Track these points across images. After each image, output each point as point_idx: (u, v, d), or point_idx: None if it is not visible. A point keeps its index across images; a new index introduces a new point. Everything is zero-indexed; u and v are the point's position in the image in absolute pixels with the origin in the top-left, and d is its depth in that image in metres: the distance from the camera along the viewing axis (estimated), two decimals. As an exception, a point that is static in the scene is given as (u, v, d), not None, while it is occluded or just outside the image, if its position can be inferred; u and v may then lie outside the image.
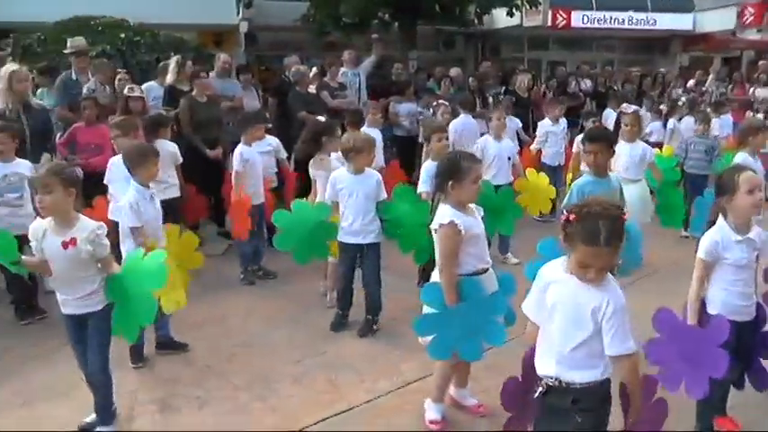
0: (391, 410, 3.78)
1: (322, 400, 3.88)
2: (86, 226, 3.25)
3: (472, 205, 3.47)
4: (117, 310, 3.34)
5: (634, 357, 2.49)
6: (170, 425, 3.65)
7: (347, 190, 4.69)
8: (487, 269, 3.48)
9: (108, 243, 3.34)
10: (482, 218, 3.50)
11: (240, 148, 5.77)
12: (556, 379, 2.53)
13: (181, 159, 5.90)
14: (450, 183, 3.34)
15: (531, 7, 15.16)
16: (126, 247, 4.08)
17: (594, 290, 2.44)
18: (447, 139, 5.35)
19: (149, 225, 4.12)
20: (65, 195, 3.18)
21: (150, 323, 3.47)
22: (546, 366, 2.57)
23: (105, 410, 3.50)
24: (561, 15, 18.59)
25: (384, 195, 4.80)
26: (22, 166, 5.02)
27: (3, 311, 5.11)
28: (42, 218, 3.30)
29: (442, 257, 3.36)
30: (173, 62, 7.52)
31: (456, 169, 3.35)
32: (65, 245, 3.18)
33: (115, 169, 5.06)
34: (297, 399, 3.90)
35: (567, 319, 2.49)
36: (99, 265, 3.31)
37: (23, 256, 3.38)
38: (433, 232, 3.43)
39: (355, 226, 4.71)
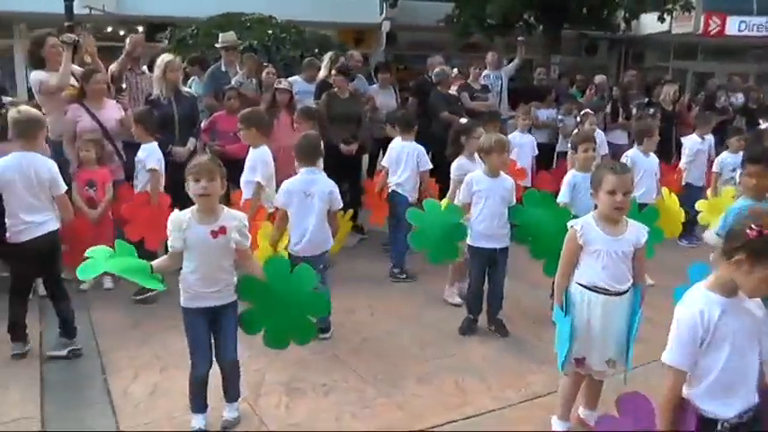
0: (517, 422, 3.69)
1: (448, 403, 3.84)
2: (233, 215, 3.33)
3: (631, 225, 3.30)
4: (259, 313, 3.42)
5: None
6: (296, 407, 3.75)
7: (483, 193, 4.65)
8: (611, 292, 3.25)
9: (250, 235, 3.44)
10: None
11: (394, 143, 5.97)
12: (745, 413, 2.35)
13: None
14: (590, 192, 3.30)
15: (683, 12, 14.32)
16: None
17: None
18: (594, 150, 5.14)
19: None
20: (222, 184, 3.28)
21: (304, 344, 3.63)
22: (726, 407, 2.37)
23: (237, 395, 3.61)
24: (714, 21, 17.36)
25: (514, 200, 4.74)
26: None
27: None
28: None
29: (560, 261, 3.34)
30: (326, 58, 7.76)
31: (596, 181, 3.28)
32: (214, 234, 3.21)
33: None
34: (422, 398, 3.89)
35: (745, 346, 2.34)
36: (237, 256, 3.35)
37: (153, 263, 3.30)
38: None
39: (489, 230, 4.65)
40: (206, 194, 3.20)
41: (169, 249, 3.31)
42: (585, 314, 3.27)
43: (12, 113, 4.20)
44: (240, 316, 3.42)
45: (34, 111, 4.34)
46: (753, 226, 2.20)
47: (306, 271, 3.43)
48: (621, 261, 3.25)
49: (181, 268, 3.33)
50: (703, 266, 3.50)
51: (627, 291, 3.30)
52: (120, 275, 3.29)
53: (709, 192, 6.59)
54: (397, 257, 6.06)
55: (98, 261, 3.17)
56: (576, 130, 7.08)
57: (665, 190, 6.14)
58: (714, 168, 6.58)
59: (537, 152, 7.70)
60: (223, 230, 3.24)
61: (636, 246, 3.27)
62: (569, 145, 6.35)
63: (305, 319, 3.50)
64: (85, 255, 3.20)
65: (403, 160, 5.92)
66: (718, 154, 7.28)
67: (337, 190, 4.61)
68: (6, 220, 4.11)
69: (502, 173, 4.72)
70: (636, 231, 3.30)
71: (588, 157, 5.03)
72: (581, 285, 3.29)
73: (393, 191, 5.97)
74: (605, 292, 3.25)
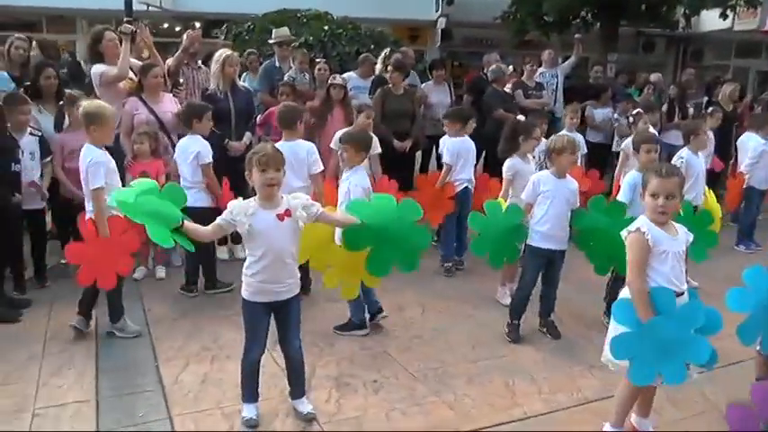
0: (568, 426, 3.61)
1: (498, 404, 3.79)
2: (295, 196, 3.39)
3: (678, 226, 3.23)
4: (378, 251, 3.57)
5: None
6: (346, 403, 3.74)
7: (550, 193, 4.55)
8: (677, 293, 3.16)
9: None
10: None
11: (448, 141, 5.93)
12: None
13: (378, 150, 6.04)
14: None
15: (747, 8, 13.82)
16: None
17: None
18: (656, 152, 5.00)
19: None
20: (284, 174, 3.35)
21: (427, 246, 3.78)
22: None
23: (303, 389, 3.64)
24: (782, 18, 16.73)
25: (578, 203, 4.63)
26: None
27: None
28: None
29: (629, 268, 3.15)
30: (382, 54, 7.78)
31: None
32: (280, 217, 3.26)
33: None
34: (472, 398, 3.84)
35: None
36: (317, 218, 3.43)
37: (188, 224, 3.34)
38: (624, 240, 3.23)
39: (552, 230, 4.57)
40: (273, 184, 3.26)
41: (217, 221, 3.33)
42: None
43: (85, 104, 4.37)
44: (367, 268, 3.57)
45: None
46: None
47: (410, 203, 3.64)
48: (680, 261, 3.20)
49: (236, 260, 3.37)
50: (759, 269, 3.38)
51: (684, 292, 3.22)
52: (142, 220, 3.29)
53: None
54: (448, 250, 6.07)
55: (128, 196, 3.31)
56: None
57: (710, 191, 5.97)
58: None
59: (585, 151, 7.51)
60: (288, 213, 3.29)
61: (687, 245, 3.24)
62: (621, 146, 6.24)
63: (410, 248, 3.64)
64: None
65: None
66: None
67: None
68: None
69: (568, 174, 4.63)
70: (685, 231, 3.26)
71: (651, 158, 4.90)
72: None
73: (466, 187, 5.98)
74: (676, 293, 3.16)
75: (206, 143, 5.17)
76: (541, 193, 4.56)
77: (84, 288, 4.43)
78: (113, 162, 4.38)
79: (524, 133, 5.25)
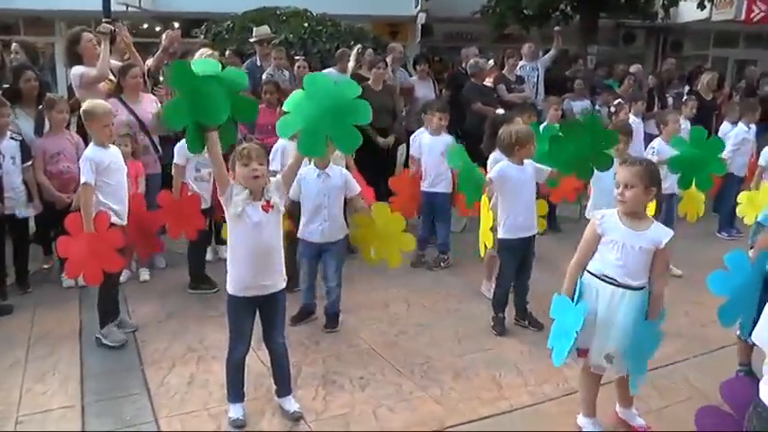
0: (554, 417, 3.63)
1: (484, 397, 3.80)
2: (266, 188, 3.38)
3: (654, 225, 3.26)
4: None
5: None
6: (333, 400, 3.74)
7: (512, 185, 4.59)
8: (620, 284, 3.21)
9: None
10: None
11: (422, 135, 5.97)
12: None
13: None
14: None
15: (724, -2, 13.97)
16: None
17: None
18: (627, 144, 5.09)
19: (308, 201, 4.46)
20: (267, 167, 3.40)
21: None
22: None
23: (289, 388, 3.64)
24: (758, 7, 16.75)
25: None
26: None
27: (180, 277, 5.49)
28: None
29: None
30: (354, 51, 7.76)
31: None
32: (265, 208, 3.29)
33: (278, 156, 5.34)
34: (459, 392, 3.86)
35: None
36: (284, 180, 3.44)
37: (212, 133, 3.25)
38: None
39: (522, 221, 4.61)
40: (258, 176, 3.28)
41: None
42: (592, 303, 3.23)
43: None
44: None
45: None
46: None
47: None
48: (638, 257, 3.17)
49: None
50: (740, 254, 3.45)
51: (639, 288, 3.21)
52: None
53: (752, 185, 6.42)
54: (444, 244, 6.16)
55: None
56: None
57: None
58: (761, 161, 6.38)
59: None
60: (268, 204, 3.32)
61: (656, 245, 3.18)
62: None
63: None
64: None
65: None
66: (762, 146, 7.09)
67: None
68: None
69: (527, 162, 4.64)
70: (659, 231, 3.21)
71: (621, 148, 4.98)
72: (590, 273, 3.27)
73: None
74: (613, 282, 3.19)
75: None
76: (506, 184, 4.59)
77: (99, 289, 4.40)
78: (117, 162, 4.37)
79: (503, 126, 5.25)
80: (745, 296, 3.39)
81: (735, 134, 7.37)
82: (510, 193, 4.58)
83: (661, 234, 3.19)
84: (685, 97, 8.56)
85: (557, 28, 9.98)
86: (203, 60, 3.57)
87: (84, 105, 4.43)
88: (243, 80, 3.49)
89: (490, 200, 4.97)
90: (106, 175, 4.26)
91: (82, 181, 4.20)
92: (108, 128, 4.32)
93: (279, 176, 3.49)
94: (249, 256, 3.31)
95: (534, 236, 4.74)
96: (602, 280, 3.22)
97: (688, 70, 11.64)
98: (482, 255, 5.30)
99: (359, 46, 8.03)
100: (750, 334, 3.38)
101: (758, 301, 3.42)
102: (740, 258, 3.43)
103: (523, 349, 4.45)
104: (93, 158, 4.21)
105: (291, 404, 3.57)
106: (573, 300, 3.27)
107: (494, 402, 3.76)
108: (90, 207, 4.16)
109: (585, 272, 3.29)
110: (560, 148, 4.55)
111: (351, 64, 7.62)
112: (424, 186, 5.99)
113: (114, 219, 4.30)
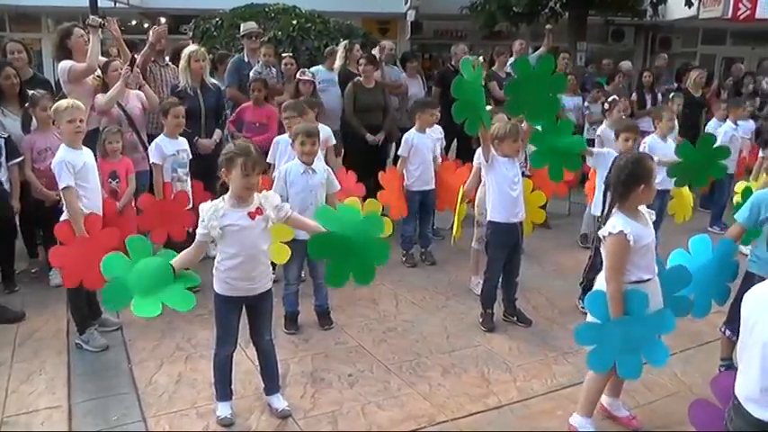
0: (543, 414, 3.64)
1: (473, 394, 3.81)
2: (264, 195, 3.35)
3: (645, 211, 3.25)
4: (339, 266, 3.43)
5: None
6: (321, 398, 3.74)
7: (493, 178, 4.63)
8: (653, 278, 3.22)
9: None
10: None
11: (408, 132, 5.94)
12: None
13: (333, 142, 6.03)
14: (642, 186, 3.12)
15: (712, -5, 14.03)
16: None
17: None
18: (635, 140, 5.07)
19: (295, 197, 4.38)
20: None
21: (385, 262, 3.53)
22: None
23: (277, 385, 3.64)
24: (744, 5, 16.90)
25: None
26: (185, 143, 5.30)
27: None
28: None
29: (609, 268, 3.15)
30: (341, 47, 7.74)
31: (647, 172, 3.14)
32: (252, 215, 3.23)
33: (280, 148, 5.31)
34: (447, 389, 3.87)
35: None
36: (287, 220, 3.41)
37: (175, 263, 3.26)
38: (602, 239, 3.22)
39: (507, 210, 4.63)
40: (253, 188, 3.25)
41: (198, 239, 3.30)
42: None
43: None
44: (327, 279, 3.47)
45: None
46: None
47: (344, 207, 3.57)
48: (653, 247, 3.23)
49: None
50: (705, 239, 3.59)
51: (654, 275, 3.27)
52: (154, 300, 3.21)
53: (751, 177, 6.46)
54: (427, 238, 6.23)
55: (121, 287, 3.16)
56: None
57: None
58: (761, 153, 6.43)
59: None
60: (259, 211, 3.26)
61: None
62: (597, 132, 6.32)
63: (374, 242, 3.48)
64: (100, 268, 3.19)
65: None
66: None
67: None
68: None
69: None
70: (649, 214, 3.27)
71: (628, 146, 4.97)
72: (632, 284, 3.16)
73: None
74: (649, 280, 3.21)
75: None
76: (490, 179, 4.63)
77: (68, 296, 4.34)
78: (90, 160, 4.27)
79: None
80: (701, 279, 3.48)
81: (723, 132, 7.43)
82: (495, 187, 4.62)
83: (651, 214, 3.26)
84: (672, 94, 8.60)
85: (548, 26, 9.98)
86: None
87: (56, 105, 4.30)
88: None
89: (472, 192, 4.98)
90: (81, 178, 4.15)
91: (62, 186, 4.07)
92: (73, 123, 4.14)
93: (288, 212, 3.41)
94: (235, 260, 3.27)
95: (521, 222, 4.73)
96: (643, 282, 3.18)
97: (676, 67, 11.70)
98: (453, 240, 5.40)
99: (346, 42, 8.01)
100: (703, 315, 3.55)
101: (721, 288, 3.60)
102: (704, 243, 3.56)
103: (512, 345, 4.46)
104: (67, 160, 4.09)
105: (280, 402, 3.56)
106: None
107: (482, 398, 3.76)
108: (77, 211, 4.08)
109: (628, 285, 3.15)
110: (517, 95, 4.48)
111: (338, 62, 7.61)
112: (416, 186, 5.99)
113: None
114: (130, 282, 3.18)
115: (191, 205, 5.15)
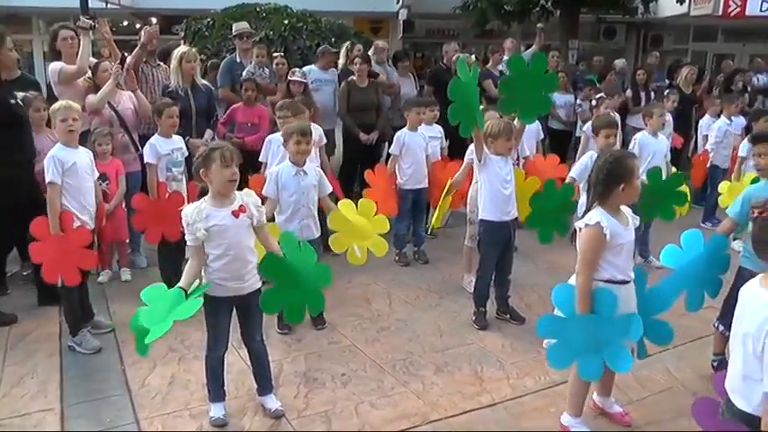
0: (536, 411, 3.65)
1: (466, 392, 3.82)
2: (247, 193, 3.37)
3: (627, 212, 3.23)
4: (277, 291, 3.34)
5: None
6: (314, 398, 3.74)
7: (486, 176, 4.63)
8: (628, 282, 3.18)
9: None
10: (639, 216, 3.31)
11: (400, 131, 5.96)
12: None
13: (325, 141, 6.04)
14: (621, 186, 3.07)
15: (702, -7, 14.10)
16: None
17: None
18: (616, 137, 5.07)
19: (288, 199, 4.40)
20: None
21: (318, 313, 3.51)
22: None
23: (270, 385, 3.64)
24: (735, 2, 16.95)
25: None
26: (180, 142, 5.29)
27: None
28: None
29: (580, 261, 3.12)
30: (343, 48, 7.76)
31: (628, 171, 3.09)
32: (236, 213, 3.23)
33: (273, 147, 5.31)
34: (441, 387, 3.87)
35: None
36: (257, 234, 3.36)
37: (183, 282, 3.20)
38: (577, 231, 3.20)
39: (499, 208, 4.64)
40: (236, 180, 3.26)
41: (189, 245, 3.29)
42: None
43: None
44: (261, 297, 3.33)
45: None
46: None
47: (307, 245, 3.47)
48: (631, 250, 3.22)
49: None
50: (697, 233, 3.60)
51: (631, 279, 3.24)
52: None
53: (733, 176, 6.51)
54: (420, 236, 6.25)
55: (152, 328, 3.12)
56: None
57: (672, 169, 6.10)
58: (740, 153, 6.48)
59: (542, 136, 7.57)
60: (243, 209, 3.26)
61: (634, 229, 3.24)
62: (582, 129, 6.34)
63: (316, 290, 3.46)
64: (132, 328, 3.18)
65: None
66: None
67: None
68: None
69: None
70: (632, 216, 3.24)
71: (609, 143, 4.98)
72: (605, 282, 3.12)
73: None
74: (623, 282, 3.16)
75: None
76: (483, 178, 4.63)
77: (61, 298, 4.35)
78: (84, 164, 4.26)
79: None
80: (690, 272, 3.51)
81: (717, 127, 7.53)
82: (489, 183, 4.63)
83: (634, 218, 3.24)
84: (667, 91, 8.63)
85: (539, 25, 10.01)
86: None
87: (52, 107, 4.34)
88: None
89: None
90: (69, 176, 4.16)
91: (47, 180, 4.10)
92: (66, 123, 4.16)
93: (263, 219, 3.41)
94: (222, 261, 3.26)
95: (515, 220, 4.72)
96: (617, 283, 3.13)
97: (668, 64, 11.74)
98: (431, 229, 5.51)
99: (348, 43, 8.04)
100: (696, 308, 3.56)
101: (713, 281, 3.60)
102: (695, 237, 3.57)
103: (505, 343, 4.47)
104: (57, 157, 4.11)
105: (273, 402, 3.56)
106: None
107: (475, 396, 3.77)
108: (56, 207, 4.10)
109: (598, 282, 3.11)
110: (510, 92, 4.49)
111: (341, 60, 7.62)
112: (409, 184, 5.99)
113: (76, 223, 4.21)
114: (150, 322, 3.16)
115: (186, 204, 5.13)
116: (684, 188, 5.69)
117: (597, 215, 3.08)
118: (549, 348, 3.19)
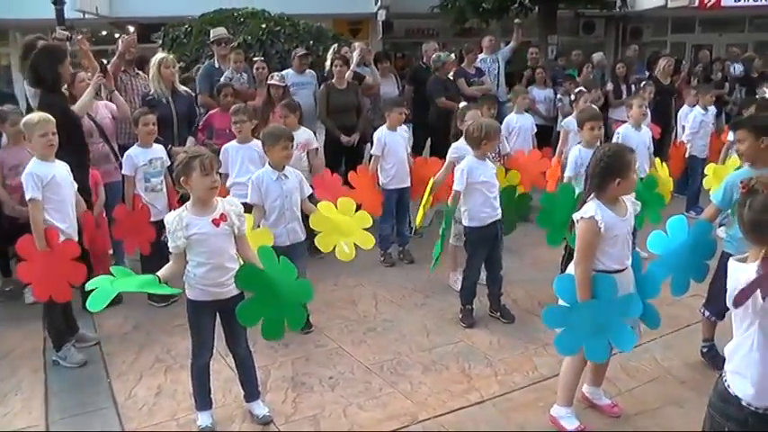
0: (525, 406, 3.65)
1: (454, 390, 3.81)
2: (229, 201, 3.35)
3: (628, 201, 3.25)
4: (255, 303, 3.28)
5: None
6: (302, 402, 3.72)
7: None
8: (623, 270, 3.22)
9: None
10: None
11: (379, 131, 5.94)
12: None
13: (315, 145, 6.01)
14: (617, 180, 3.09)
15: (679, -15, 14.22)
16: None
17: None
18: (600, 129, 5.09)
19: (273, 204, 4.38)
20: None
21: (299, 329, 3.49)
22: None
23: (257, 391, 3.61)
24: (711, -7, 17.15)
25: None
26: (161, 151, 5.25)
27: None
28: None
29: (578, 252, 3.16)
30: (330, 50, 7.75)
31: (625, 164, 3.11)
32: (216, 222, 3.21)
33: (230, 155, 5.34)
34: (429, 386, 3.86)
35: None
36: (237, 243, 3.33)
37: (160, 273, 3.17)
38: (575, 223, 3.24)
39: (486, 212, 4.64)
40: (216, 187, 3.24)
41: (171, 251, 3.26)
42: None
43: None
44: (238, 309, 3.26)
45: None
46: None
47: (286, 260, 3.41)
48: (628, 239, 3.24)
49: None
50: (682, 220, 3.61)
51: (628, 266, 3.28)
52: (137, 291, 3.25)
53: (720, 158, 6.55)
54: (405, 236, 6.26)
55: (105, 288, 3.04)
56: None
57: (656, 160, 6.11)
58: (728, 137, 6.52)
59: (535, 130, 7.60)
60: (224, 217, 3.23)
61: (634, 216, 3.28)
62: (563, 123, 6.37)
63: (296, 305, 3.42)
64: (88, 287, 3.07)
65: None
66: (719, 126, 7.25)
67: None
68: None
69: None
70: (631, 203, 3.27)
71: (594, 135, 5.00)
72: (600, 272, 3.15)
73: None
74: (617, 271, 3.19)
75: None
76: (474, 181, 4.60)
77: (44, 313, 4.28)
78: (62, 177, 4.17)
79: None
80: (676, 258, 3.54)
81: (693, 117, 7.56)
82: (473, 190, 4.62)
83: (634, 204, 3.27)
84: (644, 83, 8.68)
85: (517, 21, 10.04)
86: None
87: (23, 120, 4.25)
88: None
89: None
90: (50, 191, 4.06)
91: (27, 197, 4.00)
92: (46, 137, 4.07)
93: (244, 229, 3.36)
94: (203, 268, 3.24)
95: (500, 220, 4.73)
96: (611, 272, 3.16)
97: (647, 57, 11.80)
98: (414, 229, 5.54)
99: (334, 45, 8.04)
100: (682, 293, 3.58)
101: (698, 266, 3.62)
102: (681, 224, 3.59)
103: (493, 340, 4.47)
104: (35, 173, 4.00)
105: (260, 408, 3.54)
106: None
107: (464, 394, 3.76)
108: (40, 224, 3.99)
109: (595, 273, 3.14)
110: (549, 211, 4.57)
111: (327, 64, 7.60)
112: (392, 184, 5.99)
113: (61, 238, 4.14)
114: (116, 287, 3.10)
115: (162, 216, 5.08)
116: (661, 189, 5.73)
117: (592, 208, 3.12)
118: (558, 337, 3.22)
